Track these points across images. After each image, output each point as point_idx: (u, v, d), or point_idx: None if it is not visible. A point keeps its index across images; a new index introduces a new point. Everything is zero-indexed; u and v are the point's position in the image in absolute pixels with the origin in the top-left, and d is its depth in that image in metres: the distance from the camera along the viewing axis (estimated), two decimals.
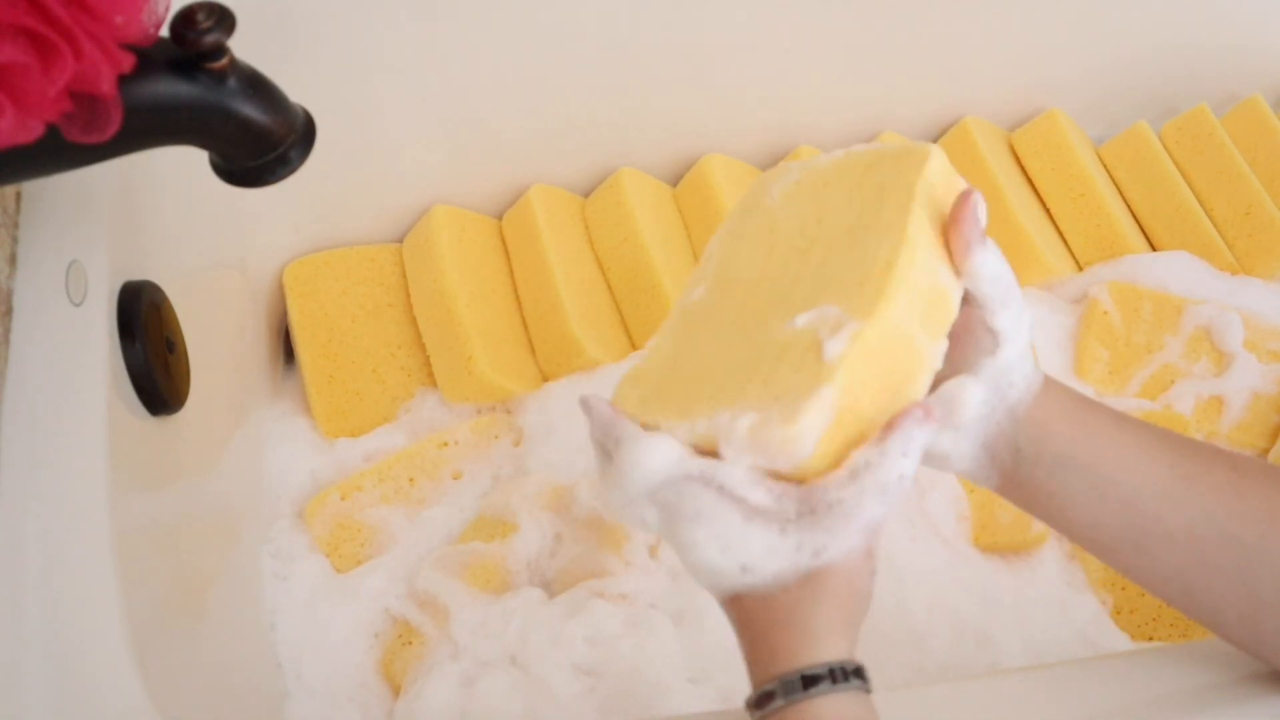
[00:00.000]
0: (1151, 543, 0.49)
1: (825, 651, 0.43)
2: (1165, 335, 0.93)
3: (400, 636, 0.77)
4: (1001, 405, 0.50)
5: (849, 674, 0.42)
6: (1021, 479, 0.50)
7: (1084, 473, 0.49)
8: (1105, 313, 0.93)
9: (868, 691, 0.43)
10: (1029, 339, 0.50)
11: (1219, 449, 0.50)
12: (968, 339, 0.49)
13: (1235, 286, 0.96)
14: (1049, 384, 0.50)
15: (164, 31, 0.47)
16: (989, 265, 0.48)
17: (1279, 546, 0.47)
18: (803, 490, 0.43)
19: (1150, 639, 0.80)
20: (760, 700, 0.43)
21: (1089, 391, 0.92)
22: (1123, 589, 0.82)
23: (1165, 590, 0.50)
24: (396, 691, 0.76)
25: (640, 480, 0.44)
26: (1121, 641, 0.80)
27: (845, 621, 0.43)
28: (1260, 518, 0.47)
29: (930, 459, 0.51)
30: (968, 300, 0.49)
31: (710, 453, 0.45)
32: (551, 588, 0.80)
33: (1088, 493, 0.49)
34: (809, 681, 0.42)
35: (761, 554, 0.42)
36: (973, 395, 0.48)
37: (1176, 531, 0.48)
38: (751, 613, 0.44)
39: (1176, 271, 0.96)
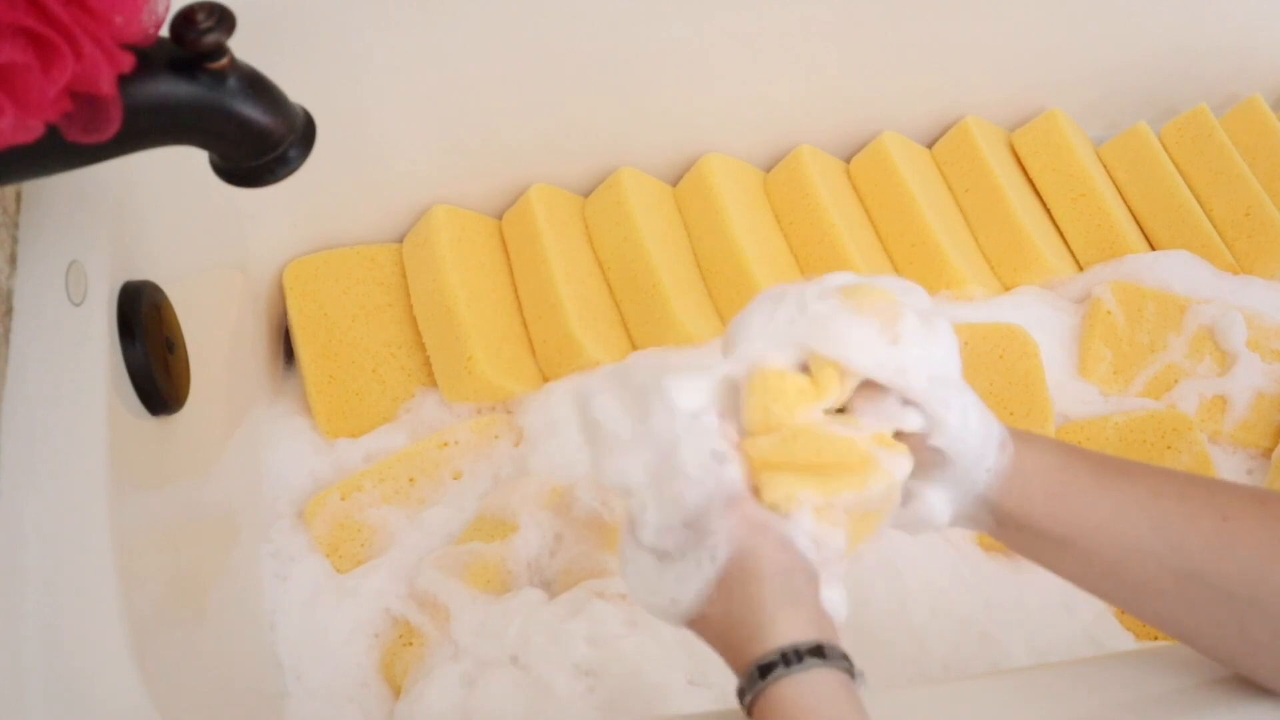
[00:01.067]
0: (1142, 599, 0.49)
1: (774, 638, 0.43)
2: (1169, 335, 0.93)
3: (401, 637, 0.77)
4: (969, 497, 0.50)
5: (803, 654, 0.42)
6: (1009, 540, 0.51)
7: (1064, 545, 0.49)
8: (1109, 312, 0.93)
9: (839, 668, 0.43)
10: (980, 437, 0.49)
11: (1205, 489, 0.49)
12: (915, 455, 0.49)
13: (1238, 286, 0.96)
14: (1020, 456, 0.50)
15: (164, 31, 0.46)
16: (883, 408, 0.47)
17: (1270, 595, 0.47)
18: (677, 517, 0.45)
19: (1155, 639, 0.80)
20: (739, 697, 0.44)
21: (1093, 392, 0.92)
22: None
23: (1165, 630, 0.51)
24: (397, 692, 0.75)
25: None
26: (1126, 641, 0.79)
27: (785, 599, 0.44)
28: (1250, 571, 0.47)
29: (912, 527, 0.51)
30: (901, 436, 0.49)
31: None
32: (552, 588, 0.80)
33: (1071, 561, 0.50)
34: (765, 670, 0.42)
35: (674, 585, 0.45)
36: (938, 511, 0.49)
37: (1166, 588, 0.48)
38: (706, 630, 0.46)
39: (1179, 271, 0.96)
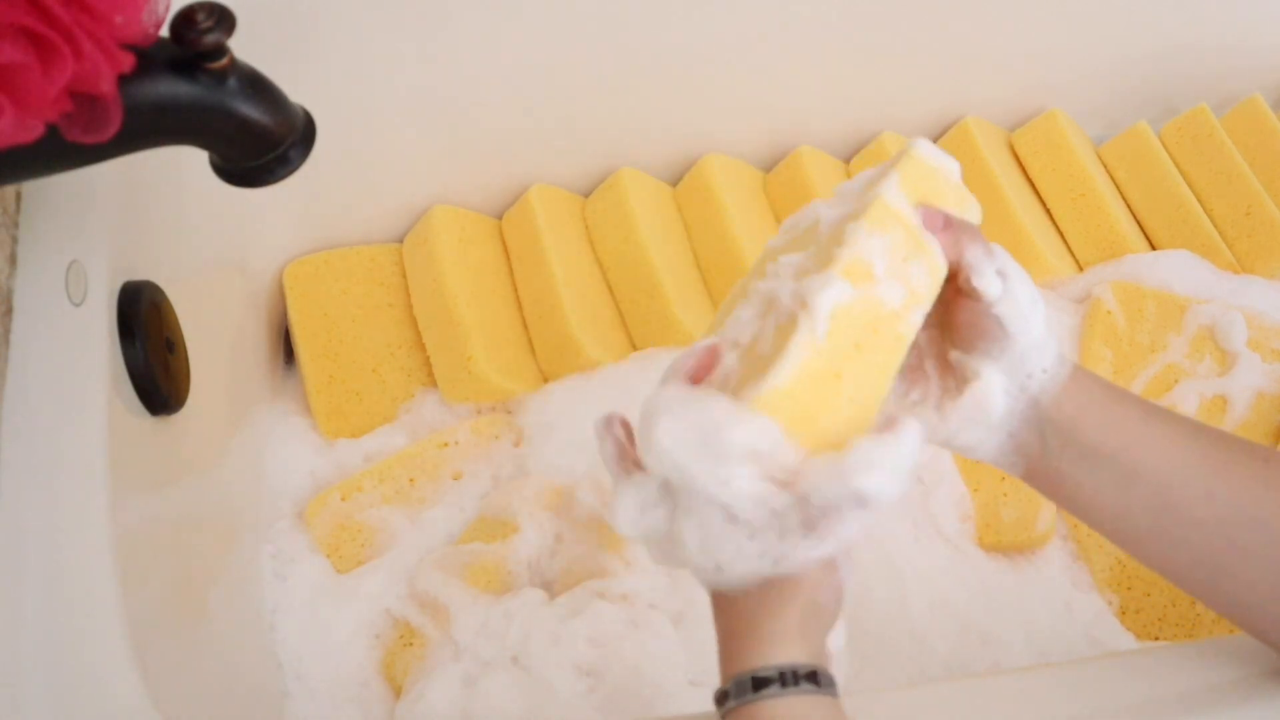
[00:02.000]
0: (1179, 529, 0.49)
1: (777, 655, 0.43)
2: (1169, 335, 0.93)
3: (401, 637, 0.77)
4: (1024, 396, 0.49)
5: (800, 677, 0.43)
6: (1048, 468, 0.51)
7: (1111, 462, 0.49)
8: (1109, 312, 0.93)
9: (829, 695, 0.43)
10: (1042, 328, 0.49)
11: (1246, 441, 0.50)
12: (975, 330, 0.49)
13: (1238, 285, 0.96)
14: (1077, 373, 0.50)
15: (164, 31, 0.46)
16: (970, 253, 0.48)
17: None
18: (784, 496, 0.42)
19: (1156, 639, 0.80)
20: (719, 698, 0.44)
21: None
22: (1128, 589, 0.82)
23: (1191, 576, 0.50)
24: (397, 692, 0.75)
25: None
26: (1127, 641, 0.79)
27: (801, 631, 0.44)
28: None
29: (955, 448, 0.51)
30: (968, 293, 0.49)
31: None
32: (552, 588, 0.80)
33: (1115, 482, 0.49)
34: (759, 684, 0.42)
35: (731, 555, 0.43)
36: (994, 394, 0.49)
37: (1205, 519, 0.48)
38: (723, 610, 0.45)
39: (1179, 271, 0.96)
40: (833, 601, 0.45)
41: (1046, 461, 0.50)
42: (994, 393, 0.49)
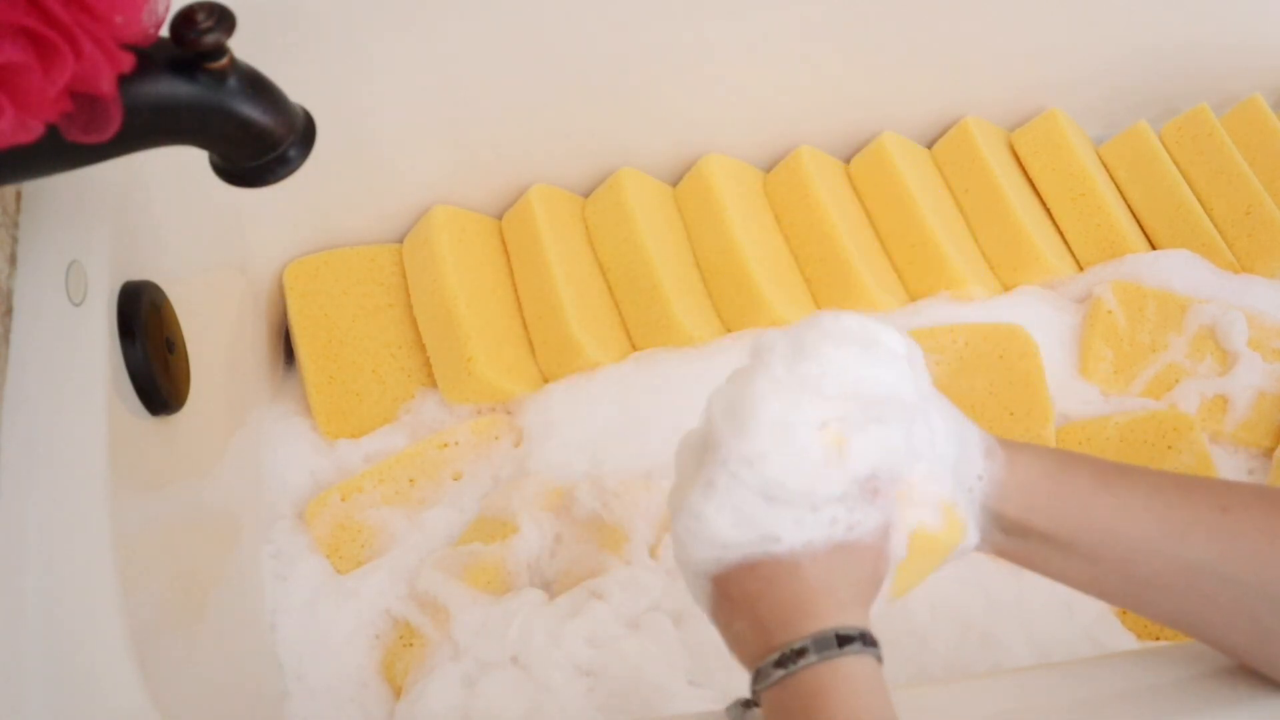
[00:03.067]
0: (1151, 594, 0.49)
1: (853, 618, 0.44)
2: (1169, 334, 0.93)
3: (401, 638, 0.77)
4: (973, 507, 0.49)
5: (875, 641, 0.44)
6: (1013, 551, 0.51)
7: (1071, 548, 0.49)
8: (1109, 312, 0.93)
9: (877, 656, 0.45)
10: (956, 444, 0.49)
11: (1202, 486, 0.49)
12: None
13: (1239, 285, 0.96)
14: (1013, 463, 0.49)
15: (164, 31, 0.46)
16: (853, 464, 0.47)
17: (1277, 582, 0.47)
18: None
19: (1157, 639, 0.80)
20: (787, 659, 0.44)
21: (1094, 392, 0.92)
22: None
23: (1174, 625, 0.51)
24: (398, 693, 0.75)
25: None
26: (1128, 641, 0.79)
27: (864, 599, 0.45)
28: (1254, 556, 0.47)
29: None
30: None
31: None
32: (552, 588, 0.80)
33: (1079, 563, 0.50)
34: (843, 640, 0.43)
35: (789, 527, 0.44)
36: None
37: (1174, 582, 0.48)
38: (771, 580, 0.45)
39: (1179, 270, 0.96)
40: (884, 574, 0.46)
41: (1011, 547, 0.51)
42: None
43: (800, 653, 0.43)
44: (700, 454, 0.47)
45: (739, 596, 0.46)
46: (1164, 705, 0.51)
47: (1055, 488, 0.49)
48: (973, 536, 0.49)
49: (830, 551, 0.45)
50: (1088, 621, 0.80)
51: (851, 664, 0.43)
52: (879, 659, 0.44)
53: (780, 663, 0.44)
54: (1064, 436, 0.89)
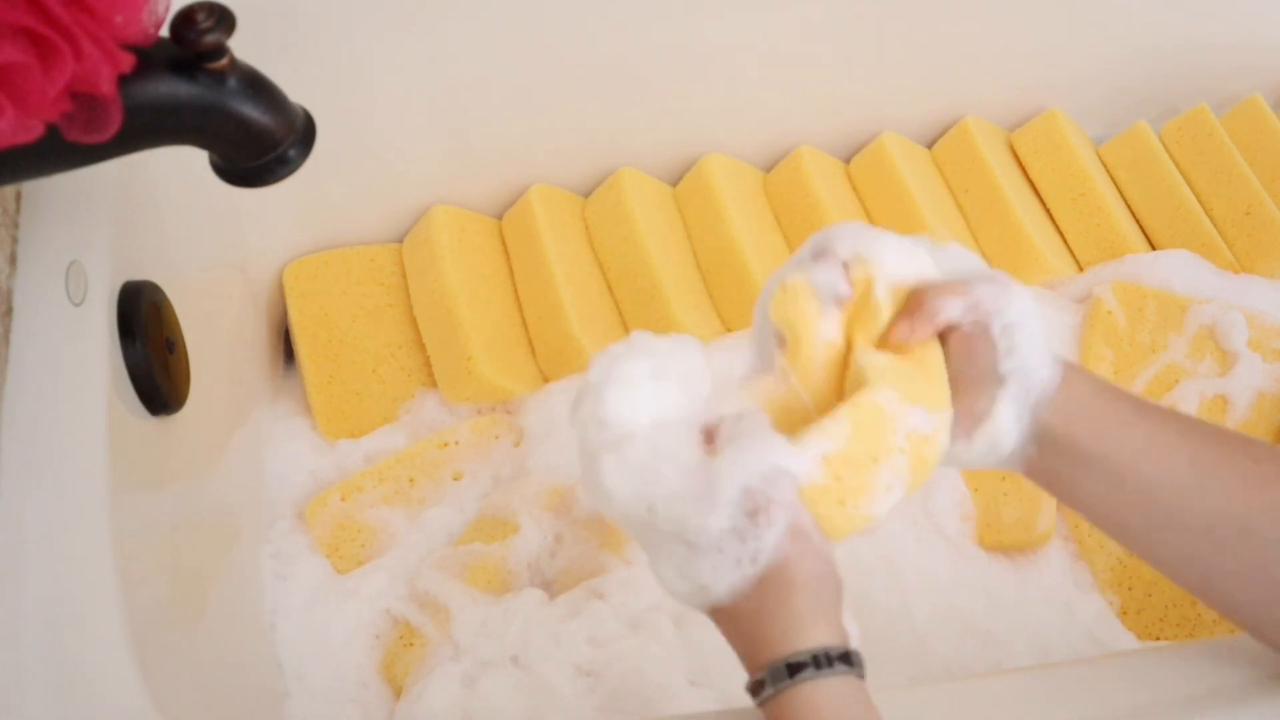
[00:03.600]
0: (1170, 532, 0.49)
1: (806, 640, 0.44)
2: (1169, 335, 0.93)
3: (401, 638, 0.77)
4: (1026, 413, 0.50)
5: (834, 659, 0.44)
6: (1045, 468, 0.51)
7: (1103, 466, 0.50)
8: (1109, 312, 0.93)
9: (860, 676, 0.45)
10: (1037, 339, 0.50)
11: (1239, 438, 0.50)
12: (981, 357, 0.50)
13: (1238, 285, 0.96)
14: (1069, 376, 0.51)
15: (164, 31, 0.46)
16: (949, 306, 0.49)
17: None
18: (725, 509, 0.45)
19: (1157, 639, 0.80)
20: (754, 689, 0.45)
21: None
22: (1129, 589, 0.82)
23: (1183, 575, 0.51)
24: (398, 693, 0.75)
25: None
26: (1128, 641, 0.79)
27: (818, 608, 0.45)
28: (1278, 510, 0.48)
29: (964, 466, 0.52)
30: (967, 329, 0.50)
31: None
32: (552, 588, 0.80)
33: (1106, 484, 0.50)
34: (794, 669, 0.43)
35: (709, 573, 0.45)
36: (1007, 430, 0.50)
37: (1194, 523, 0.49)
38: (730, 619, 0.46)
39: (1179, 271, 0.96)
40: (825, 567, 0.46)
41: (1043, 462, 0.51)
42: (1006, 429, 0.50)
43: (760, 684, 0.44)
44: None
45: (722, 632, 0.47)
46: (1164, 704, 0.51)
47: (1099, 405, 0.50)
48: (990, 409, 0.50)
49: (756, 587, 0.45)
50: (1088, 622, 0.80)
51: (810, 690, 0.43)
52: (852, 672, 0.44)
53: (754, 692, 0.45)
54: None
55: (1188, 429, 0.50)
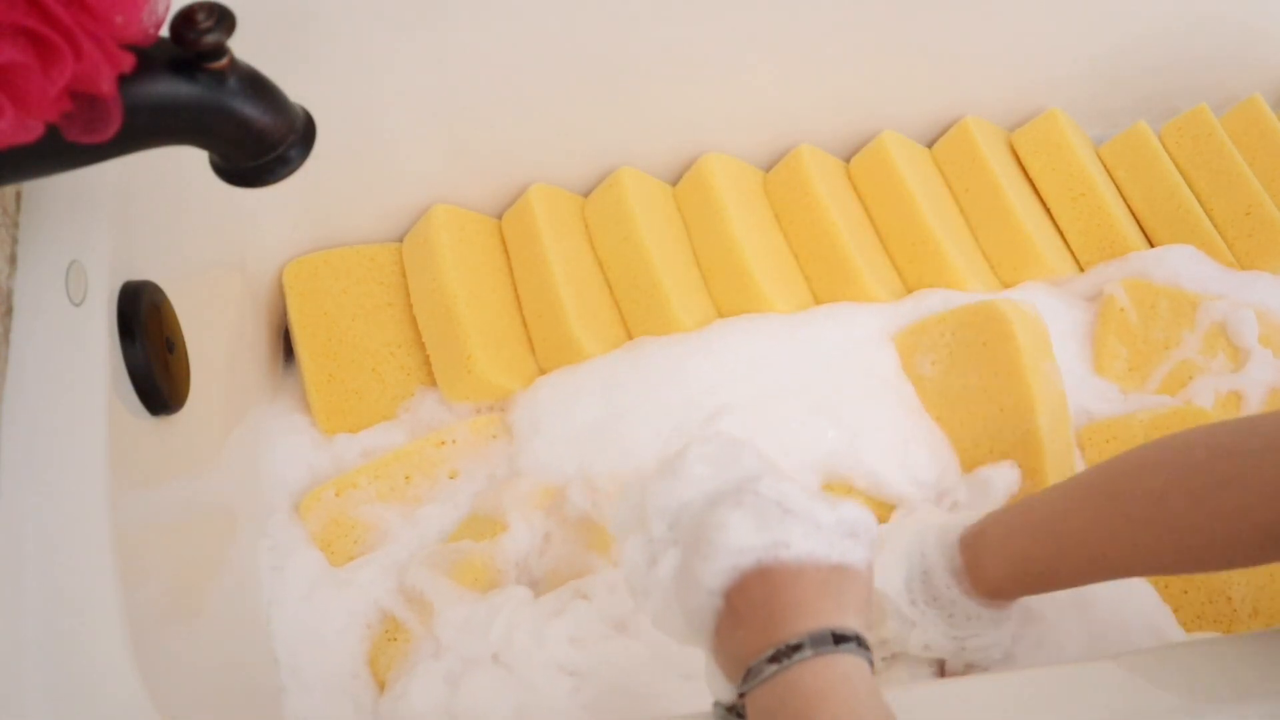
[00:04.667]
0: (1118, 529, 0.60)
1: (851, 623, 0.47)
2: (1182, 331, 0.93)
3: (386, 632, 0.77)
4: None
5: (867, 646, 0.47)
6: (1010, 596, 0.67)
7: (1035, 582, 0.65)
8: (1121, 309, 0.94)
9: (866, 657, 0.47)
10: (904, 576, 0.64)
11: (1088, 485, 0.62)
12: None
13: (1244, 281, 0.96)
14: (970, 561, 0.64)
15: (164, 31, 0.46)
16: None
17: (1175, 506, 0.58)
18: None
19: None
20: (781, 654, 0.45)
21: (1113, 389, 0.92)
22: (1164, 585, 0.82)
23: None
24: (381, 686, 0.75)
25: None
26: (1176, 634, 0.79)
27: (861, 616, 0.48)
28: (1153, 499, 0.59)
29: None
30: None
31: None
32: (539, 587, 0.80)
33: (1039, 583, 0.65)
34: (839, 639, 0.45)
35: (799, 535, 0.48)
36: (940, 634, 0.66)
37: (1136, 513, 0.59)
38: (777, 585, 0.47)
39: (1184, 267, 0.96)
40: (870, 600, 0.50)
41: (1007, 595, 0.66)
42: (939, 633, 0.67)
43: (796, 648, 0.45)
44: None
45: (744, 606, 0.47)
46: (1167, 705, 0.51)
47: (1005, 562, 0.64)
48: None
49: (831, 568, 0.48)
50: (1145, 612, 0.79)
51: (846, 661, 0.45)
52: (871, 663, 0.46)
53: (775, 658, 0.45)
54: (1089, 436, 0.88)
55: (1072, 503, 0.63)
